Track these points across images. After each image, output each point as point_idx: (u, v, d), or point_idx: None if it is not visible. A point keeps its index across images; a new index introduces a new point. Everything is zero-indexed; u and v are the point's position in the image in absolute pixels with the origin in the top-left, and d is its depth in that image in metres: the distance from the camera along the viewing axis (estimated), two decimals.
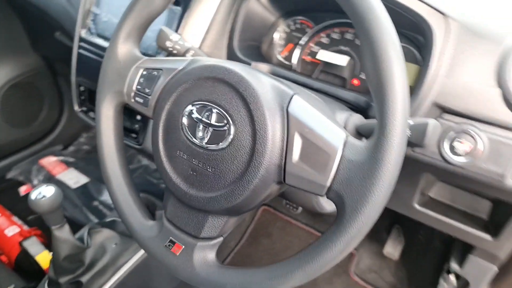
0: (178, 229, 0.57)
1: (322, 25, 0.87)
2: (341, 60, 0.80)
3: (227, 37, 0.83)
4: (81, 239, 1.02)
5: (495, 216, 0.83)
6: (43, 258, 1.32)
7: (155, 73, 0.59)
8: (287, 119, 0.47)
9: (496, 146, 0.62)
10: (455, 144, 0.64)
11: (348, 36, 0.85)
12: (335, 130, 0.46)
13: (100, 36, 0.96)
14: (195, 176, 0.52)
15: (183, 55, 0.71)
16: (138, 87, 0.60)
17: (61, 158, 2.03)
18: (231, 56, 0.83)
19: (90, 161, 2.04)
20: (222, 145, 0.50)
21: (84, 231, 1.07)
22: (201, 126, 0.51)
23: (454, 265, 0.98)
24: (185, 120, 0.53)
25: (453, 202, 0.88)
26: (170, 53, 0.72)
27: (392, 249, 1.39)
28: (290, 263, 0.48)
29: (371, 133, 0.58)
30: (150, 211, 0.63)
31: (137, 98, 0.60)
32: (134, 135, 0.92)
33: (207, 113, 0.51)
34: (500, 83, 0.61)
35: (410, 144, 0.50)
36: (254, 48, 0.88)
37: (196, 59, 0.56)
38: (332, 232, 0.45)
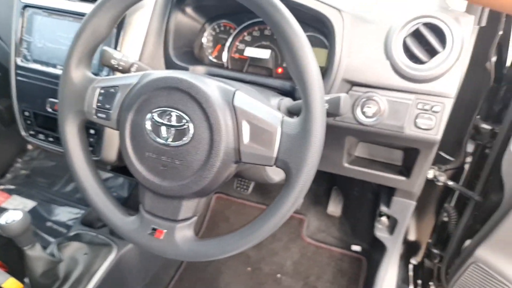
0: (157, 217, 0.67)
1: (243, 26, 1.00)
2: (265, 54, 0.94)
3: (163, 47, 0.93)
4: (52, 255, 1.07)
5: (406, 162, 1.02)
6: (10, 285, 1.33)
7: (112, 90, 0.68)
8: (234, 111, 0.60)
9: (393, 106, 0.80)
10: (365, 109, 0.81)
11: (267, 32, 0.99)
12: (273, 113, 0.59)
13: (37, 61, 1.01)
14: (165, 170, 0.63)
15: (128, 69, 0.80)
16: (98, 104, 0.69)
17: (1, 187, 1.99)
18: (169, 63, 0.93)
19: (32, 184, 2.01)
20: (185, 140, 0.61)
21: (53, 247, 1.12)
22: (164, 128, 0.62)
23: (383, 208, 1.18)
24: (148, 126, 0.63)
25: (374, 156, 1.07)
26: (115, 69, 0.81)
27: (334, 208, 1.59)
28: (257, 223, 0.61)
29: (300, 111, 0.73)
30: None
31: (99, 114, 0.69)
32: (90, 148, 0.99)
33: (167, 117, 0.62)
34: (388, 56, 0.78)
35: (330, 114, 0.65)
36: (188, 53, 0.99)
37: (147, 73, 0.66)
38: (285, 190, 0.59)
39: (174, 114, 0.61)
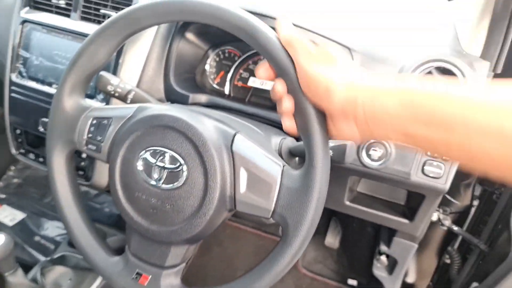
0: (143, 261, 0.63)
1: (249, 54, 0.96)
2: (269, 85, 0.90)
3: (163, 73, 0.90)
4: (34, 280, 1.02)
5: (410, 202, 0.98)
6: None
7: (105, 121, 0.64)
8: (232, 156, 0.56)
9: (401, 150, 0.76)
10: (371, 151, 0.77)
11: None
12: (274, 162, 0.55)
13: (33, 79, 0.97)
14: (155, 213, 0.59)
15: (125, 96, 0.76)
16: (90, 135, 0.65)
17: None
18: (169, 90, 0.89)
19: (23, 195, 1.97)
20: (177, 184, 0.57)
21: (36, 271, 1.07)
22: (156, 169, 0.58)
23: (383, 247, 1.14)
24: (140, 165, 0.59)
25: (376, 193, 1.03)
26: (111, 96, 0.77)
27: (332, 239, 1.54)
28: (247, 279, 0.57)
29: (301, 154, 0.68)
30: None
31: (89, 146, 0.65)
32: (81, 172, 0.95)
33: (160, 157, 0.57)
34: None
35: (334, 162, 0.61)
36: (189, 79, 0.95)
37: (143, 107, 0.62)
38: (281, 247, 0.54)
39: (168, 155, 0.57)
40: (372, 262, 1.29)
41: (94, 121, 0.65)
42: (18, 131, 1.02)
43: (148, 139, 0.59)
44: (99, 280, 1.16)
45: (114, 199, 0.62)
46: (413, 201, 0.97)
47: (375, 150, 0.77)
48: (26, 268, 0.96)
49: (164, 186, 0.58)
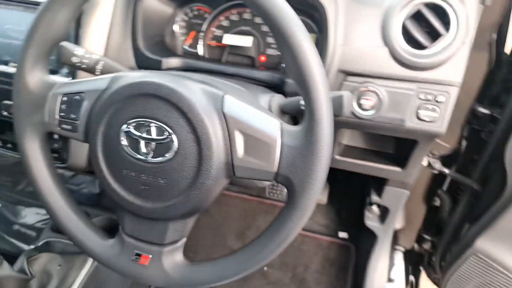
0: (141, 241, 0.59)
1: (219, 9, 0.89)
2: (246, 41, 0.84)
3: (131, 38, 0.82)
4: (22, 271, 0.97)
5: (399, 149, 0.97)
6: None
7: (77, 97, 0.58)
8: (225, 119, 0.51)
9: (393, 97, 0.73)
10: (362, 101, 0.74)
11: (246, 16, 0.89)
12: (270, 120, 0.51)
13: None
14: (147, 190, 0.55)
15: (93, 67, 0.69)
16: (62, 114, 0.59)
17: None
18: (139, 56, 0.82)
19: None
20: (168, 156, 0.52)
21: (22, 261, 1.02)
22: (142, 143, 0.53)
23: (374, 197, 1.13)
24: (124, 140, 0.54)
25: (364, 144, 1.01)
26: (77, 68, 0.70)
27: (320, 195, 1.54)
28: (256, 246, 0.54)
29: (294, 111, 0.64)
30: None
31: (63, 125, 0.59)
32: (55, 155, 0.88)
33: (146, 129, 0.52)
34: (386, 42, 0.71)
35: None
36: (159, 43, 0.88)
37: (118, 76, 0.56)
38: (287, 210, 0.51)
39: (153, 125, 0.52)
40: (362, 213, 1.29)
41: (65, 98, 0.59)
42: None
43: (129, 111, 0.53)
44: (89, 263, 1.12)
45: (101, 180, 0.57)
46: (402, 149, 0.95)
47: (367, 99, 0.73)
48: (11, 259, 0.91)
49: (153, 159, 0.53)
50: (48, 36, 0.58)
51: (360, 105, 0.74)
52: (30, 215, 1.68)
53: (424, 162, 0.99)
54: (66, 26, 0.58)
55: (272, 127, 0.51)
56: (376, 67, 0.72)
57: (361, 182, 1.40)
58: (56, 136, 0.86)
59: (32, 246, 1.17)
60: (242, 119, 0.51)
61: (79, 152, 0.87)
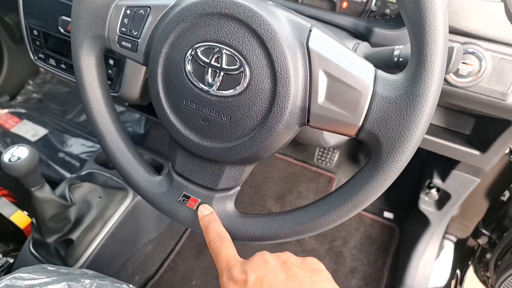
0: (191, 182, 0.53)
1: None
2: None
3: None
4: (63, 196, 0.96)
5: (478, 132, 0.86)
6: (18, 218, 1.25)
7: (142, 11, 0.51)
8: (309, 55, 0.43)
9: (499, 65, 0.61)
10: (460, 65, 0.63)
11: None
12: (363, 63, 0.43)
13: None
14: (207, 126, 0.48)
15: None
16: (123, 29, 0.52)
17: (11, 110, 1.87)
18: None
19: (44, 110, 1.90)
20: (237, 90, 0.45)
21: (64, 188, 1.01)
22: (210, 71, 0.46)
23: (436, 180, 1.03)
24: (189, 65, 0.47)
25: (437, 120, 0.90)
26: None
27: None
28: (324, 205, 0.47)
29: (383, 62, 0.55)
30: None
31: (123, 43, 0.53)
32: (108, 82, 0.83)
33: (215, 56, 0.45)
34: None
35: None
36: None
37: None
38: (368, 172, 0.44)
39: (224, 52, 0.45)
40: (415, 196, 1.20)
41: (128, 11, 0.52)
42: (35, 32, 0.89)
43: (199, 32, 0.46)
44: (129, 199, 1.10)
45: (157, 109, 0.51)
46: (483, 131, 0.84)
47: (466, 64, 0.62)
48: (52, 185, 0.89)
49: (219, 92, 0.46)
50: None
51: (457, 70, 0.63)
52: (76, 145, 1.70)
53: (506, 149, 0.87)
54: None
55: (365, 71, 0.42)
56: (485, 26, 0.61)
57: (419, 163, 1.29)
58: (111, 62, 0.81)
59: (74, 175, 1.16)
60: (330, 57, 0.42)
61: (132, 82, 0.82)
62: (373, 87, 0.42)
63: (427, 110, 0.39)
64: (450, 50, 0.46)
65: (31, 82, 2.03)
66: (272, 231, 0.50)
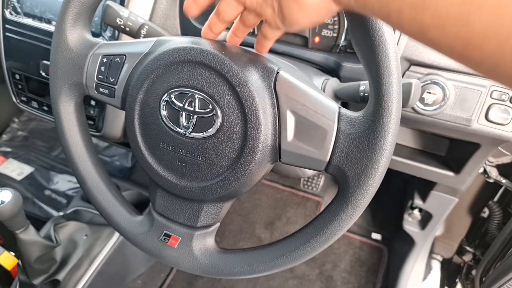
0: (171, 221, 0.55)
1: None
2: None
3: (178, 5, 0.77)
4: (48, 237, 0.96)
5: (453, 153, 0.89)
6: (4, 259, 1.23)
7: (118, 59, 0.53)
8: (276, 97, 0.46)
9: (461, 93, 0.65)
10: (425, 95, 0.66)
11: None
12: (327, 103, 0.45)
13: (29, 15, 0.85)
14: (184, 166, 0.50)
15: (137, 32, 0.65)
16: (100, 76, 0.55)
17: None
18: (186, 25, 0.78)
19: (29, 147, 1.89)
20: (210, 132, 0.47)
21: (49, 228, 1.01)
22: (184, 114, 0.48)
23: (417, 201, 1.06)
24: (164, 110, 0.49)
25: (414, 143, 0.93)
26: (121, 31, 0.66)
27: None
28: (297, 239, 0.48)
29: (350, 97, 0.58)
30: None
31: (101, 89, 0.55)
32: (90, 122, 0.85)
33: (189, 100, 0.47)
34: None
35: None
36: (209, 13, 0.82)
37: (162, 40, 0.51)
38: (337, 205, 0.46)
39: (197, 96, 0.47)
40: (399, 216, 1.22)
41: (105, 59, 0.54)
42: (17, 77, 0.91)
43: (172, 78, 0.48)
44: (116, 236, 1.10)
45: (135, 151, 0.53)
46: (457, 152, 0.87)
47: (430, 93, 0.66)
48: (38, 223, 0.89)
49: (194, 134, 0.48)
50: None
51: (422, 99, 0.67)
52: (62, 182, 1.70)
53: (480, 170, 0.90)
54: None
55: (329, 110, 0.45)
56: (445, 58, 0.64)
57: (402, 183, 1.32)
58: (93, 103, 0.83)
59: (61, 213, 1.16)
60: (296, 98, 0.45)
61: (114, 122, 0.84)
62: (337, 125, 0.44)
63: (388, 145, 0.42)
64: (409, 86, 0.49)
65: (16, 120, 2.04)
66: (252, 266, 0.51)
